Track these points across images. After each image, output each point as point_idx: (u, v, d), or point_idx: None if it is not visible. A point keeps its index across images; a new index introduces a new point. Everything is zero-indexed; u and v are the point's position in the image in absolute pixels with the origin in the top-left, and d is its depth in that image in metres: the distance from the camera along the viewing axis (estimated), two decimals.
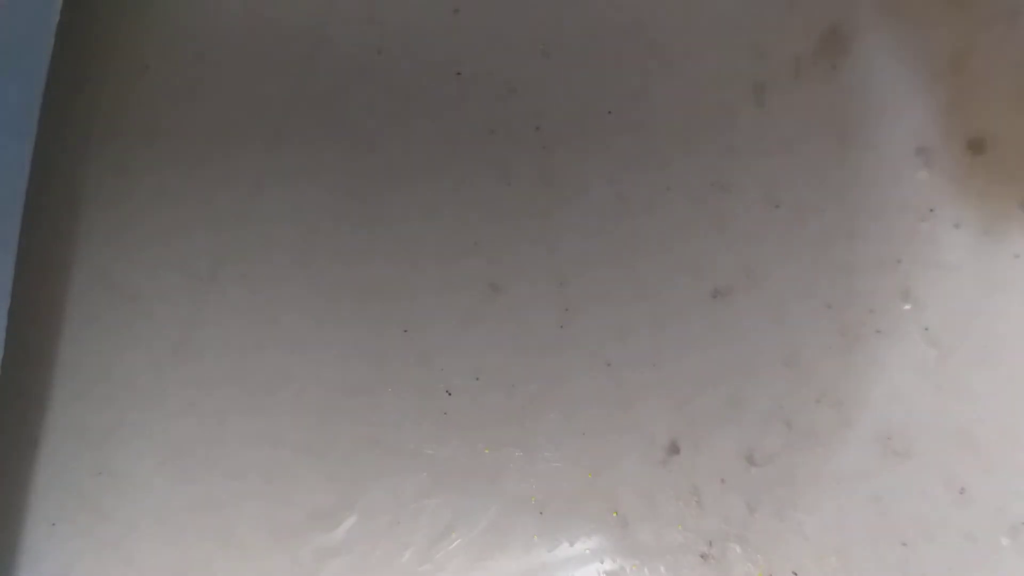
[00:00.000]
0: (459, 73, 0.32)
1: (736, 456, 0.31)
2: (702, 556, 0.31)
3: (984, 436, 0.30)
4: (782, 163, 0.31)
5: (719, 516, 0.31)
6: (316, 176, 0.32)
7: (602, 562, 0.31)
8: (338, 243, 0.32)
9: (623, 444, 0.31)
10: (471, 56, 0.32)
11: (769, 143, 0.32)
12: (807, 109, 0.32)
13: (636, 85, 0.32)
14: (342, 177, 0.32)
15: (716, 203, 0.31)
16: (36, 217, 0.29)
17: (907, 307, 0.31)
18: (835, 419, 0.31)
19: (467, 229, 0.32)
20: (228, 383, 0.31)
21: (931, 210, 0.30)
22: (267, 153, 0.32)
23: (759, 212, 0.31)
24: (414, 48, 0.32)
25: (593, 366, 0.31)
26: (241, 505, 0.31)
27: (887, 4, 0.31)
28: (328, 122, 0.32)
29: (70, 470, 0.31)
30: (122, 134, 0.32)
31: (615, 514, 0.31)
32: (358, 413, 0.31)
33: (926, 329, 0.31)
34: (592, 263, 0.31)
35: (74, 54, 0.31)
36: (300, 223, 0.32)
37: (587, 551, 0.31)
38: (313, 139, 0.32)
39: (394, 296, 0.31)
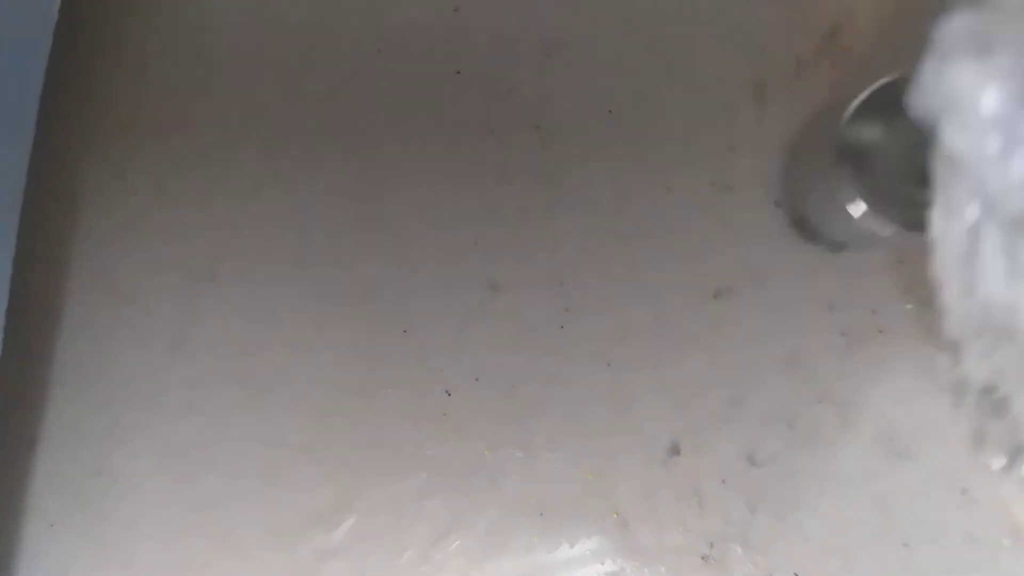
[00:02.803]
0: (459, 73, 0.32)
1: (737, 456, 0.31)
2: (703, 557, 0.31)
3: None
4: (782, 163, 0.31)
5: (720, 517, 0.31)
6: (315, 176, 0.32)
7: (602, 563, 0.31)
8: (337, 243, 0.32)
9: (623, 444, 0.31)
10: (471, 56, 0.32)
11: (769, 143, 0.32)
12: (807, 109, 0.32)
13: (636, 85, 0.32)
14: (341, 177, 0.32)
15: (716, 203, 0.31)
16: (35, 217, 0.29)
17: (909, 307, 0.31)
18: (836, 419, 0.31)
19: (467, 229, 0.32)
20: (227, 383, 0.31)
21: None
22: (266, 153, 0.32)
23: (759, 212, 0.31)
24: (414, 48, 0.32)
25: (593, 366, 0.31)
26: (240, 505, 0.31)
27: (887, 4, 0.31)
28: (328, 122, 0.32)
29: (69, 470, 0.31)
30: (122, 134, 0.32)
31: (615, 515, 0.31)
32: (357, 413, 0.31)
33: (928, 329, 0.30)
34: (592, 263, 0.31)
35: (73, 54, 0.31)
36: (299, 223, 0.32)
37: (587, 552, 0.31)
38: (313, 139, 0.32)
39: (393, 296, 0.31)
